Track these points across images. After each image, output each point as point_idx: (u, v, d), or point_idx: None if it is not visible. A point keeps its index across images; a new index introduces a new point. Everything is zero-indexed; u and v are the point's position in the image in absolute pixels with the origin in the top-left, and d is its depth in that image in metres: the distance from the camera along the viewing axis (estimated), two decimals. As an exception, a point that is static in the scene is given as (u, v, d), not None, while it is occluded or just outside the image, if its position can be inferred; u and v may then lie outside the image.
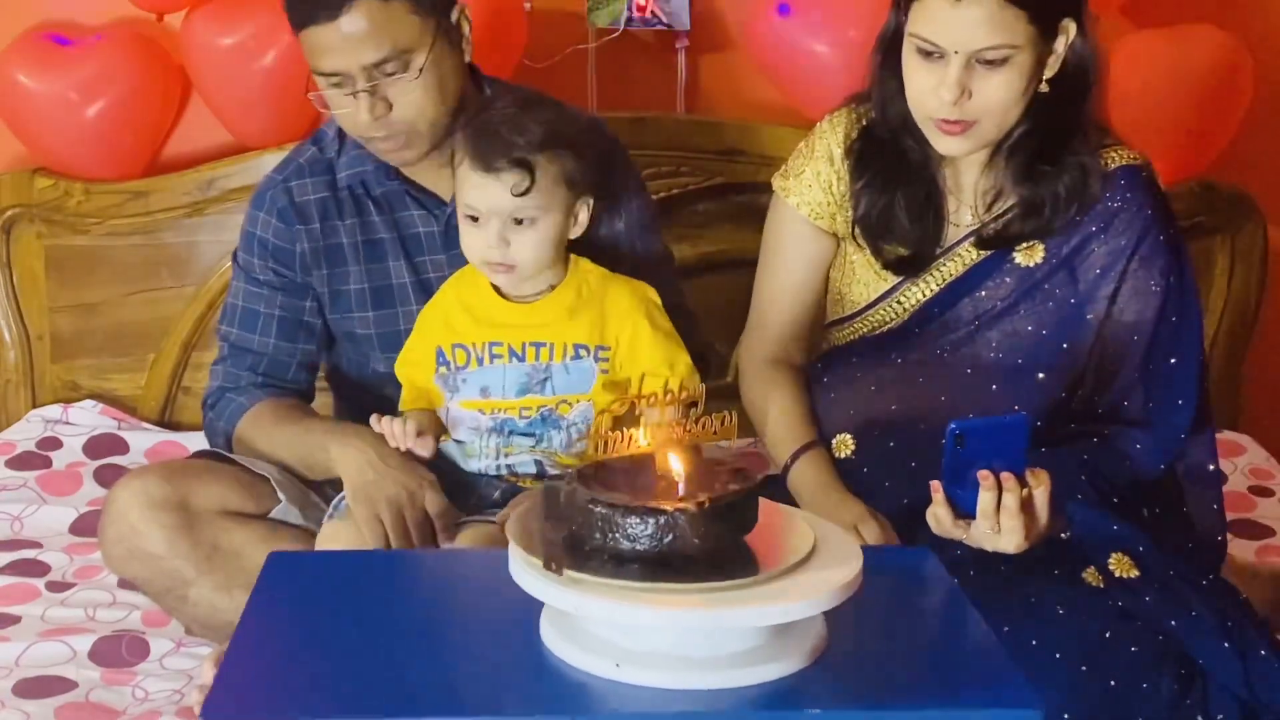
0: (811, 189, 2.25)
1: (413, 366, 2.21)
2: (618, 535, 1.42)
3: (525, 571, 1.46)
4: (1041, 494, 1.87)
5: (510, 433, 2.11)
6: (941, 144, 2.09)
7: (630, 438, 1.48)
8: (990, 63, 2.01)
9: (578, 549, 1.45)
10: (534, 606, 1.50)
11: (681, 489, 1.46)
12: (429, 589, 1.71)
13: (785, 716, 1.41)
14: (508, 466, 2.13)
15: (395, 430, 2.09)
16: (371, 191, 2.30)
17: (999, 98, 2.03)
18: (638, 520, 1.41)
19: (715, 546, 1.43)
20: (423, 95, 2.17)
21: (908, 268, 2.19)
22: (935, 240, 2.18)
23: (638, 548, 1.42)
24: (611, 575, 1.41)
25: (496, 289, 2.16)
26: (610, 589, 1.40)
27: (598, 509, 1.43)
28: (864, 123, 2.21)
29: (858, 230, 2.21)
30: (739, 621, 1.41)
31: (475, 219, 2.09)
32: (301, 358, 2.38)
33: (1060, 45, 2.05)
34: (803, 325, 2.32)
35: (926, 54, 2.04)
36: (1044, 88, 2.06)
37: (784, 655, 1.45)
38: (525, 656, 1.48)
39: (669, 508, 1.41)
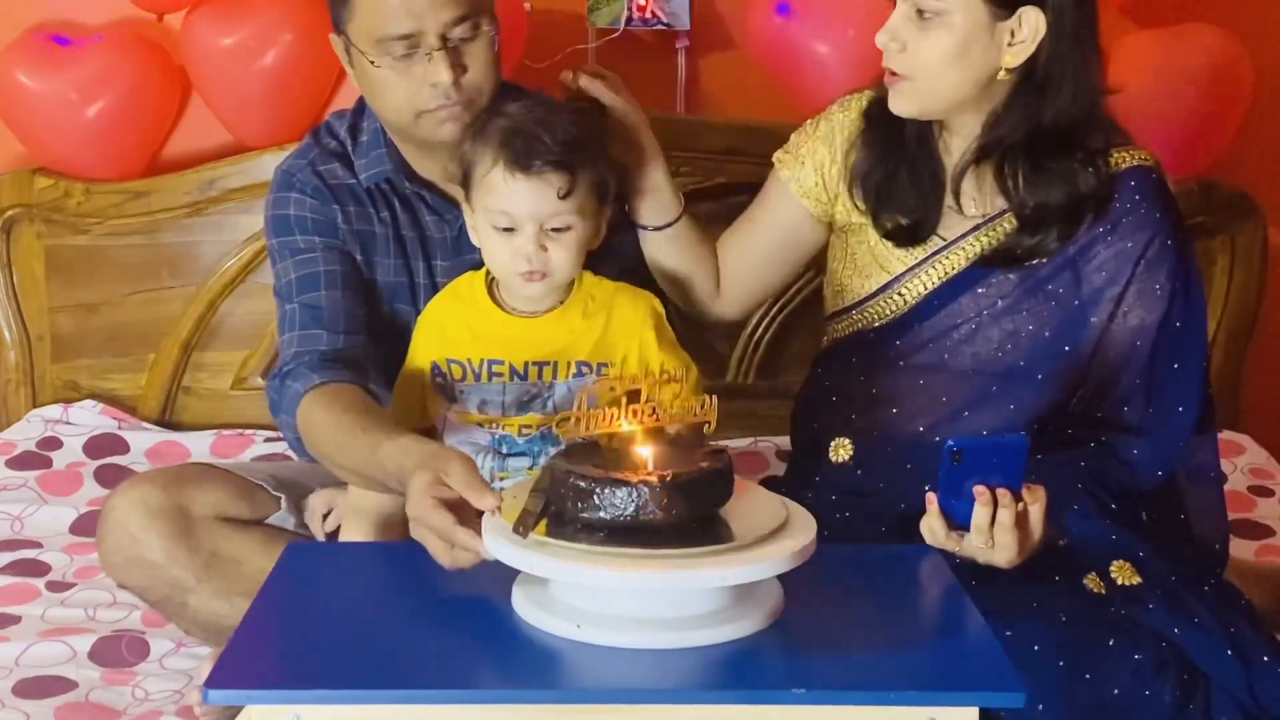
0: (804, 167, 2.27)
1: (406, 380, 2.18)
2: (589, 505, 1.56)
3: (495, 539, 1.60)
4: (1037, 510, 1.86)
5: (507, 453, 2.08)
6: (890, 99, 2.12)
7: (613, 416, 1.59)
8: (927, 19, 2.04)
9: (557, 518, 1.58)
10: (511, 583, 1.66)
11: (656, 465, 1.58)
12: (427, 577, 1.75)
13: (741, 679, 1.54)
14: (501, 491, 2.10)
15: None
16: (396, 188, 2.28)
17: (927, 55, 2.05)
18: (606, 491, 1.55)
19: (683, 519, 1.56)
20: (491, 61, 2.15)
21: (908, 239, 2.19)
22: (935, 210, 2.18)
23: (607, 517, 1.55)
24: (582, 542, 1.55)
25: (497, 303, 2.12)
26: (574, 553, 1.54)
27: (571, 480, 1.57)
28: (883, 93, 2.20)
29: (858, 192, 2.21)
30: (686, 584, 1.54)
31: (508, 229, 2.02)
32: (367, 312, 2.24)
33: (1025, 33, 2.03)
34: (749, 285, 2.36)
35: (892, 6, 2.08)
36: (1003, 75, 2.06)
37: (739, 619, 1.58)
38: (498, 626, 1.62)
39: (633, 480, 1.55)
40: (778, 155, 2.32)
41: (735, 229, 2.37)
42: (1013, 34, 2.04)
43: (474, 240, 2.13)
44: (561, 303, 2.09)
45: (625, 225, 2.29)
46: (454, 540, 1.72)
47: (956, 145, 2.16)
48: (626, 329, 2.08)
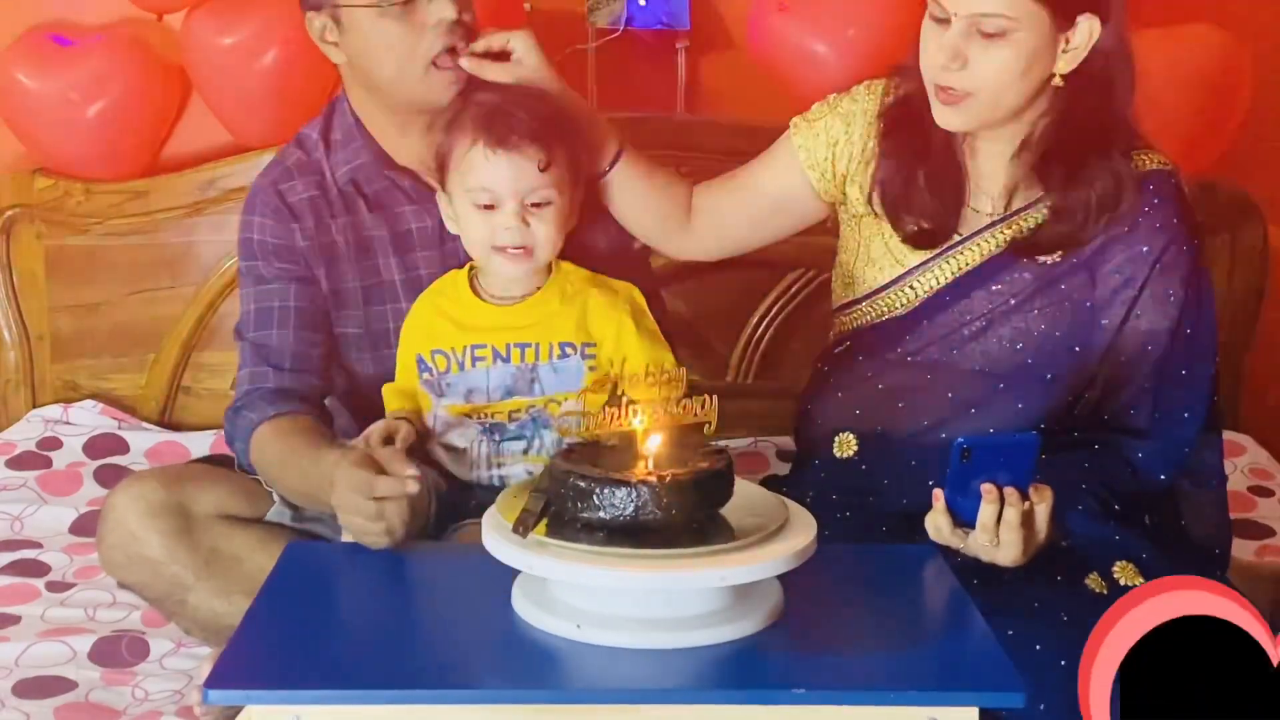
0: (819, 139, 2.25)
1: (398, 381, 2.19)
2: (589, 504, 1.57)
3: (495, 539, 1.59)
4: (1043, 509, 1.86)
5: (501, 439, 2.10)
6: (940, 115, 2.08)
7: (614, 416, 1.60)
8: (990, 36, 2.00)
9: (557, 518, 1.59)
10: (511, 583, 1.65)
11: (655, 465, 1.59)
12: (428, 577, 1.77)
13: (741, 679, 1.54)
14: (500, 478, 2.11)
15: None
16: (364, 189, 2.29)
17: (993, 72, 2.02)
18: (606, 491, 1.56)
19: (683, 519, 1.57)
20: (472, 5, 2.19)
21: (926, 242, 2.18)
22: (955, 215, 2.17)
23: (607, 517, 1.56)
24: (582, 542, 1.55)
25: (477, 295, 2.14)
26: (574, 553, 1.55)
27: (571, 480, 1.58)
28: (901, 91, 2.19)
29: (876, 198, 2.20)
30: (686, 584, 1.54)
31: (488, 206, 2.06)
32: (324, 349, 2.29)
33: (1079, 39, 2.03)
34: (725, 236, 2.35)
35: (938, 20, 2.04)
36: (1058, 81, 2.05)
37: (739, 619, 1.58)
38: (498, 626, 1.62)
39: (634, 479, 1.55)
40: (795, 120, 2.30)
41: (730, 178, 2.36)
42: (1066, 41, 2.03)
43: (451, 228, 2.16)
44: (539, 289, 2.12)
45: (600, 215, 2.29)
46: (375, 489, 1.81)
47: (984, 148, 2.14)
48: (604, 314, 2.11)
